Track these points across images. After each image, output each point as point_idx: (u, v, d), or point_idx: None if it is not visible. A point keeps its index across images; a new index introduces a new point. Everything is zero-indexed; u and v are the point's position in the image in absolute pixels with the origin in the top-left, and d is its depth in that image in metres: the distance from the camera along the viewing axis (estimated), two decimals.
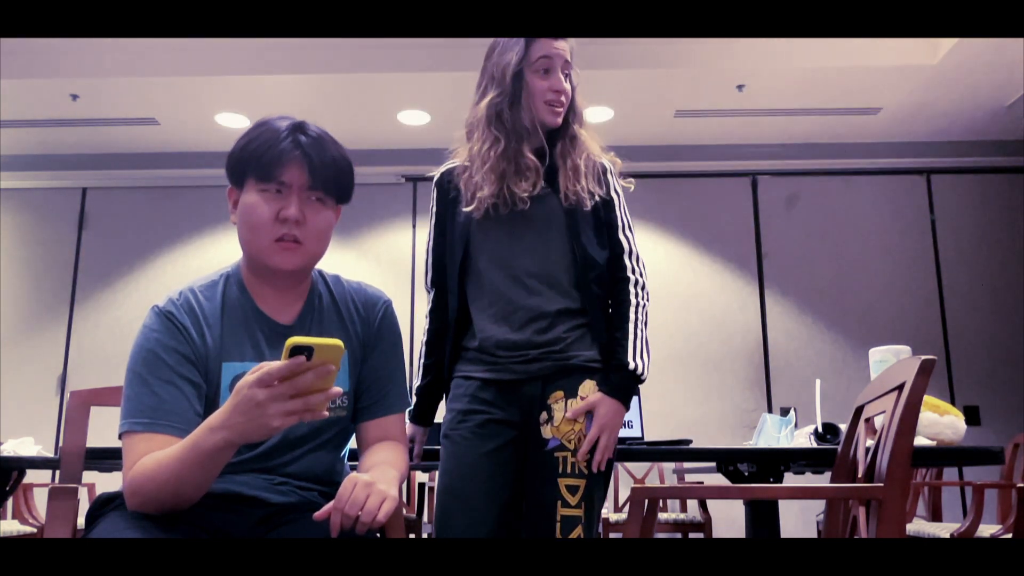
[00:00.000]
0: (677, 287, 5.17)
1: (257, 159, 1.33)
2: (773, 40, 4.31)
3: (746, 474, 2.16)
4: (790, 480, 2.15)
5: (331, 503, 1.14)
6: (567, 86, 1.81)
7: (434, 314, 1.91)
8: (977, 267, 5.17)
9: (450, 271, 1.86)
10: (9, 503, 3.57)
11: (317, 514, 1.15)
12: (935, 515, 3.57)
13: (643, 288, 1.81)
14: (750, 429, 4.67)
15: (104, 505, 1.30)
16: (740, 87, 4.58)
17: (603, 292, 1.80)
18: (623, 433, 1.81)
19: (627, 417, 2.06)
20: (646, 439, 2.52)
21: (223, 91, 4.63)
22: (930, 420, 2.20)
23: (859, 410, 1.58)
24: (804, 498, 1.58)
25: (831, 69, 4.39)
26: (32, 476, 3.25)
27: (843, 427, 2.16)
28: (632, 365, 1.72)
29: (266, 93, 4.63)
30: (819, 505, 4.54)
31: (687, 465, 4.13)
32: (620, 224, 1.84)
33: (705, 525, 4.12)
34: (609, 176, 1.87)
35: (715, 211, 5.32)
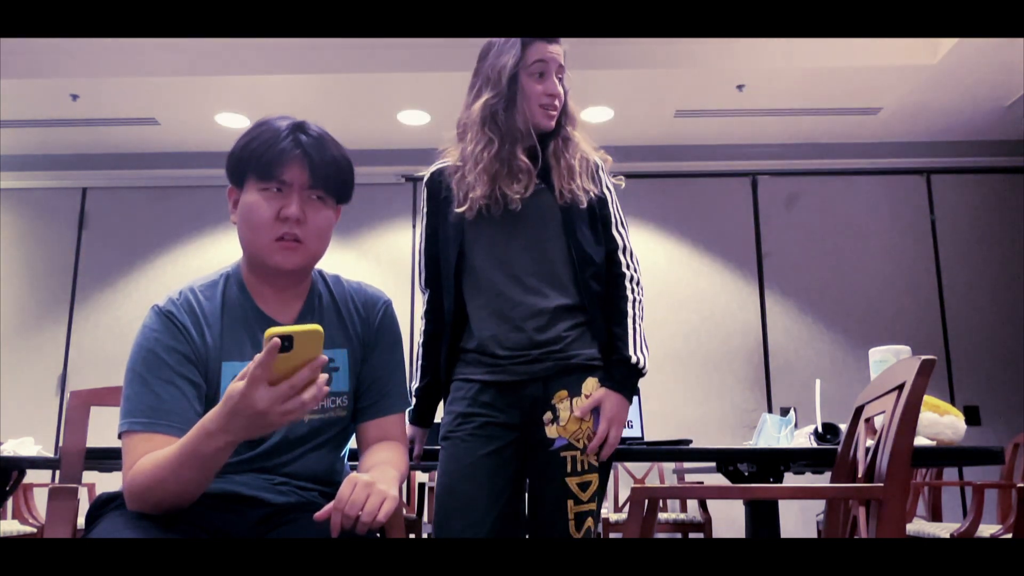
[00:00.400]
0: (677, 287, 5.16)
1: (257, 158, 1.33)
2: (773, 40, 4.31)
3: (746, 474, 2.16)
4: (790, 480, 2.15)
5: (331, 503, 1.14)
6: (561, 89, 1.83)
7: (430, 315, 1.91)
8: (977, 267, 5.17)
9: (445, 271, 1.86)
10: (9, 503, 3.57)
11: (317, 514, 1.14)
12: (935, 515, 3.57)
13: (638, 283, 1.83)
14: (750, 429, 4.67)
15: (104, 505, 1.30)
16: (740, 87, 4.58)
17: (600, 288, 1.81)
18: (623, 433, 1.81)
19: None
20: (646, 439, 2.53)
21: (223, 91, 4.63)
22: (930, 420, 2.19)
23: (859, 410, 1.58)
24: (804, 498, 1.58)
25: (831, 69, 4.38)
26: (32, 476, 3.25)
27: (843, 427, 2.16)
28: (634, 359, 1.74)
29: (266, 93, 4.63)
30: (819, 505, 4.54)
31: (687, 465, 4.13)
32: (614, 220, 1.85)
33: (705, 525, 4.12)
34: (601, 173, 1.89)
35: (715, 211, 5.31)
